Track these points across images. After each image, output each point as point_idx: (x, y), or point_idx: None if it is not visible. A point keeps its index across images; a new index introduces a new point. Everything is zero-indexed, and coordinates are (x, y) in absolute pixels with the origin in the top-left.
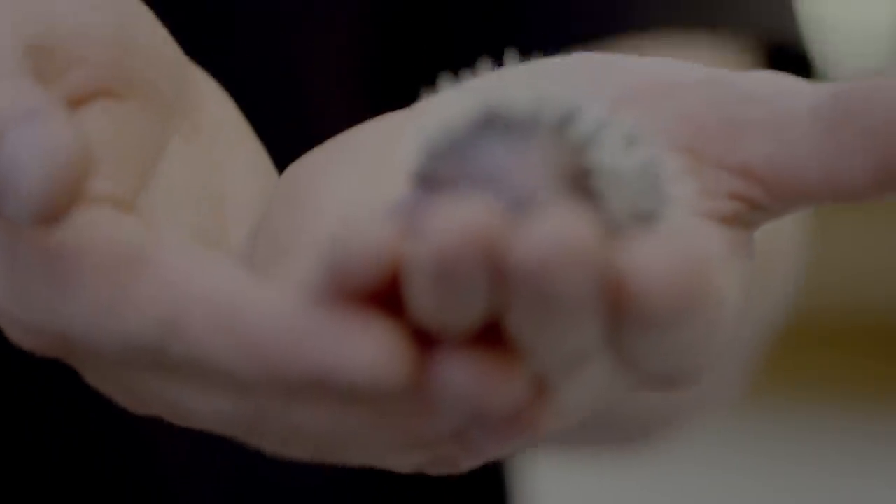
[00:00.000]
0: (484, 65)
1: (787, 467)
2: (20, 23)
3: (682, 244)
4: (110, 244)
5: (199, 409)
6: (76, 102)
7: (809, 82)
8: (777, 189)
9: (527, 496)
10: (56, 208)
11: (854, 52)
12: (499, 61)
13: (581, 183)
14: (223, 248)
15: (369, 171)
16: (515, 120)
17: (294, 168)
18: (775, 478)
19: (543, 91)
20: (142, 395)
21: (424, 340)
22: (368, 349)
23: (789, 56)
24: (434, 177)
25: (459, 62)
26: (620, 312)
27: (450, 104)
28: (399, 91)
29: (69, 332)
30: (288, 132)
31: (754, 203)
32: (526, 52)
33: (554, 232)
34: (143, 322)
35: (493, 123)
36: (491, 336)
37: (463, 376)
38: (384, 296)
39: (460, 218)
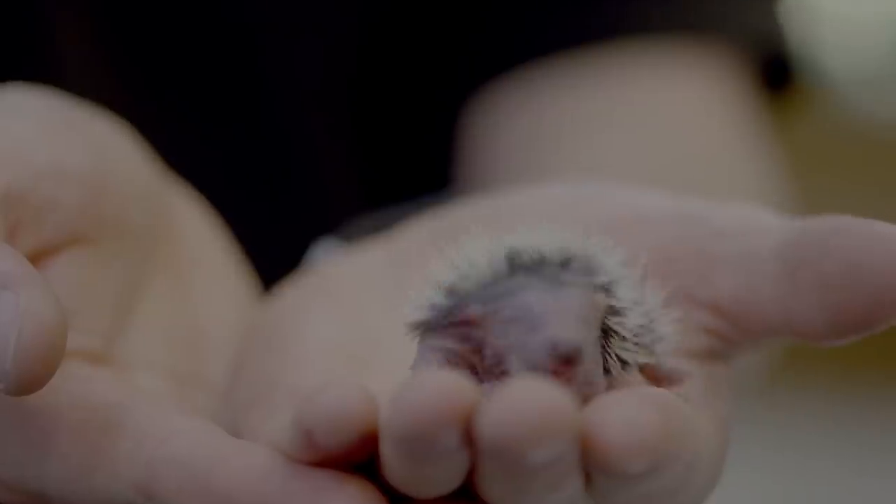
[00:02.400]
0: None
1: (797, 457)
2: None
3: (652, 401)
4: (84, 408)
5: None
6: (49, 252)
7: (779, 218)
8: (743, 326)
9: None
10: (34, 382)
11: (853, 47)
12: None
13: (603, 321)
14: (201, 387)
15: (347, 314)
16: (544, 264)
17: (272, 308)
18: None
19: (558, 235)
20: None
21: (402, 498)
22: None
23: (774, 61)
24: (454, 321)
25: (440, 77)
26: (590, 468)
27: (421, 238)
28: (376, 104)
29: (45, 492)
30: (262, 144)
31: (725, 338)
32: (514, 61)
33: (523, 401)
34: (117, 484)
35: (520, 267)
36: (466, 494)
37: None
38: (363, 452)
39: (432, 388)
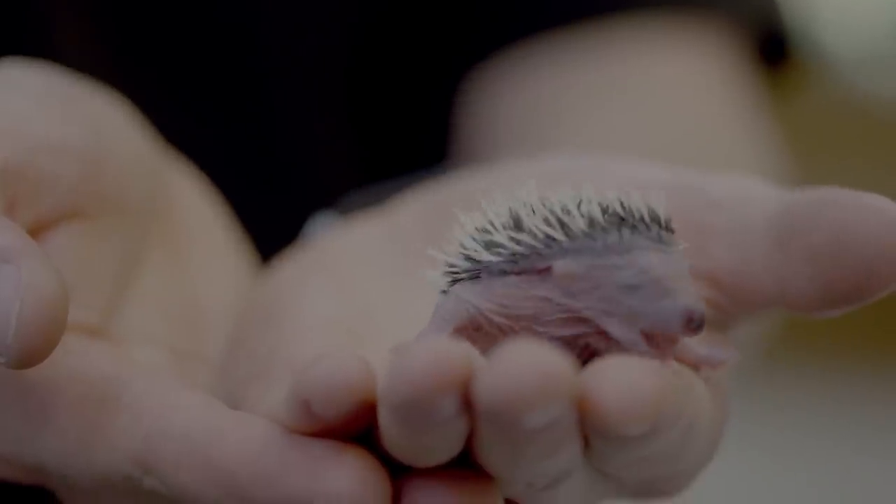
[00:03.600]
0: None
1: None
2: None
3: (650, 366)
4: (82, 382)
5: None
6: (47, 226)
7: (773, 189)
8: (739, 297)
9: None
10: (35, 355)
11: (852, 24)
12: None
13: None
14: (199, 362)
15: (344, 289)
16: (650, 223)
17: (270, 282)
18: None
19: (629, 194)
20: None
21: (399, 466)
22: (342, 481)
23: (771, 36)
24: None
25: (437, 53)
26: (588, 431)
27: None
28: (374, 80)
29: (43, 465)
30: (259, 120)
31: (722, 309)
32: (513, 36)
33: (521, 365)
34: (115, 458)
35: (619, 223)
36: (465, 462)
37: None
38: (361, 423)
39: (429, 355)
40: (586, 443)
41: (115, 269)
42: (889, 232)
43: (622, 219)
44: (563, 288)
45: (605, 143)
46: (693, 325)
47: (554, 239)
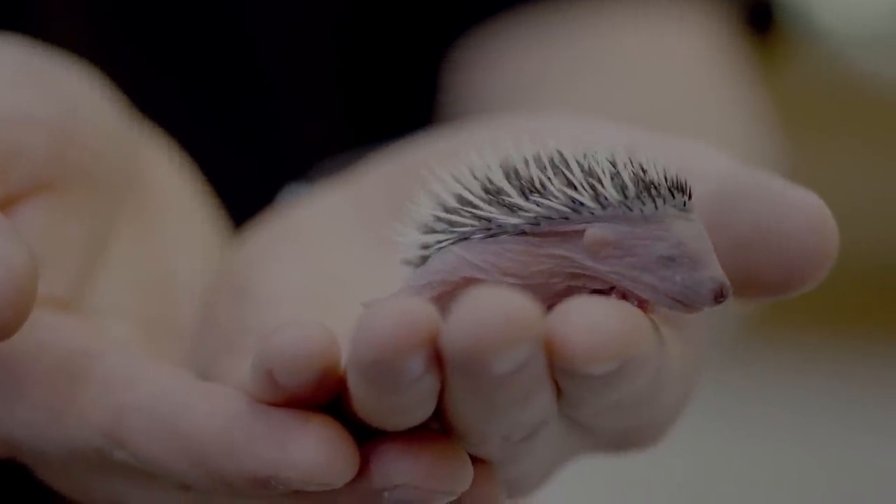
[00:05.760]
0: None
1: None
2: None
3: (616, 307)
4: (52, 355)
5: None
6: (17, 199)
7: (721, 161)
8: None
9: None
10: (5, 328)
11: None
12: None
13: None
14: (171, 334)
15: (313, 258)
16: (675, 191)
17: (239, 253)
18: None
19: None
20: (91, 492)
21: (368, 433)
22: (308, 451)
23: (758, 7)
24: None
25: (425, 23)
26: (557, 373)
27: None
28: (360, 50)
29: (13, 438)
30: (244, 90)
31: None
32: (501, 7)
33: (486, 309)
34: (86, 431)
35: (646, 189)
36: (434, 425)
37: (405, 470)
38: (327, 392)
39: (393, 315)
40: (559, 391)
41: (86, 243)
42: (811, 229)
43: (654, 186)
44: (589, 252)
45: (591, 112)
46: (721, 298)
47: (583, 203)
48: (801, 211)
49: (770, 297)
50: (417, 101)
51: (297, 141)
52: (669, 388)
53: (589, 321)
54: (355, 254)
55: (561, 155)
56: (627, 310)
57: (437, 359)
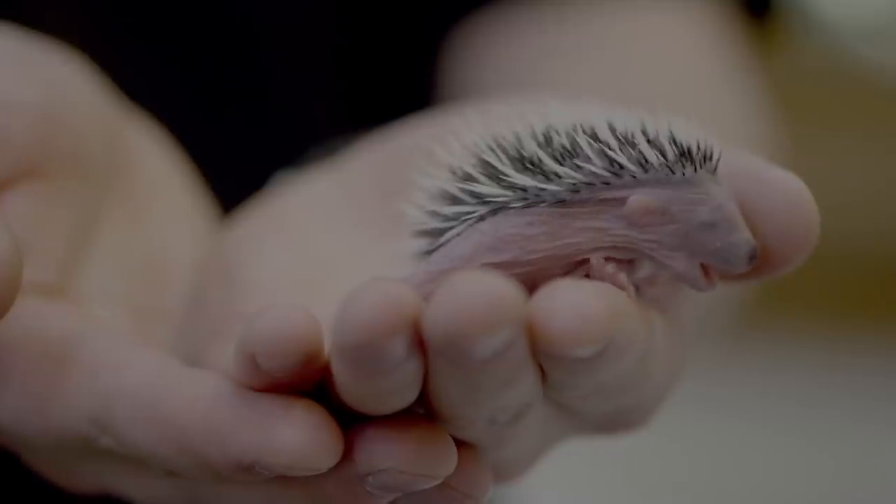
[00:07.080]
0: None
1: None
2: None
3: (599, 289)
4: (38, 341)
5: (136, 490)
6: (2, 186)
7: (702, 143)
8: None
9: None
10: None
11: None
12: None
13: None
14: (159, 319)
15: (300, 244)
16: (706, 158)
17: (227, 239)
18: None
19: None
20: (78, 478)
21: (352, 418)
22: (291, 436)
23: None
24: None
25: (421, 9)
26: (540, 355)
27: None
28: (357, 36)
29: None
30: (242, 75)
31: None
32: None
33: (469, 292)
34: (72, 416)
35: (684, 156)
36: (419, 409)
37: (389, 455)
38: (311, 377)
39: (375, 297)
40: (543, 374)
41: (72, 228)
42: (790, 210)
43: (689, 150)
44: (630, 220)
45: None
46: (754, 260)
47: (623, 167)
48: (779, 190)
49: (752, 277)
50: (414, 86)
51: (289, 126)
52: (655, 372)
53: (570, 304)
54: (343, 239)
55: (581, 126)
56: (609, 292)
57: (420, 342)
